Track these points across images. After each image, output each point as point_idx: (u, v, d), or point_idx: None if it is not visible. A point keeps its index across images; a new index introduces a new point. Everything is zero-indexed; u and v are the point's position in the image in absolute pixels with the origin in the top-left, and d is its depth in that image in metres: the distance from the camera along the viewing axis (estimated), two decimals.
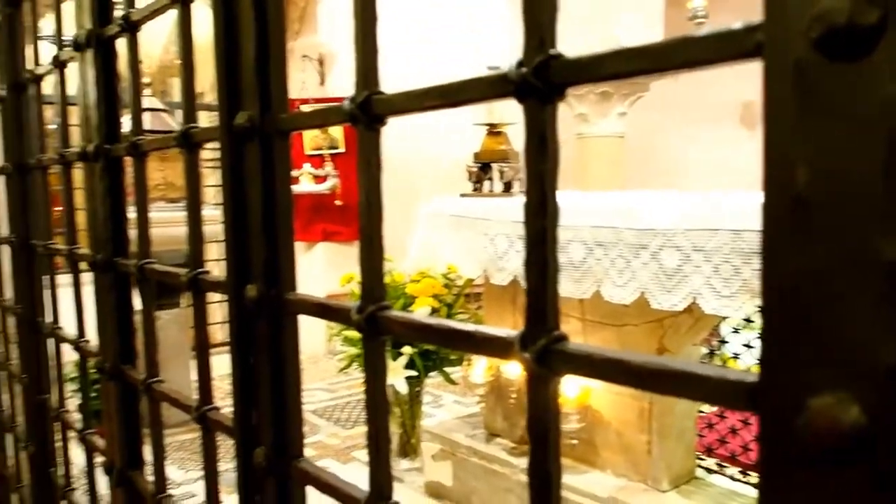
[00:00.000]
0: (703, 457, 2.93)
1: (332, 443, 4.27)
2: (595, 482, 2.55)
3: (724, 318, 2.56)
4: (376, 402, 0.56)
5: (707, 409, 3.16)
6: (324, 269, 6.21)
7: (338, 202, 6.29)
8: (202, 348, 0.83)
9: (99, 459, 1.27)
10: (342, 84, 6.36)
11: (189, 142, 0.78)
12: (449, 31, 6.84)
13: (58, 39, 1.20)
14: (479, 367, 2.71)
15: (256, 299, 0.66)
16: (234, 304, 0.69)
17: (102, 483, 1.27)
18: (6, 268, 1.93)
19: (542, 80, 0.40)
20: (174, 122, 4.59)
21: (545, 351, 0.40)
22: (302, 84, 6.26)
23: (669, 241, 2.06)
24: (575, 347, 0.40)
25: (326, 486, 0.63)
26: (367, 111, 0.53)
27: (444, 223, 2.62)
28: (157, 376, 0.96)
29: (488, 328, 0.46)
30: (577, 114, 5.56)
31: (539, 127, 0.40)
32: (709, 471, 2.86)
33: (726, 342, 3.19)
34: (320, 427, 4.63)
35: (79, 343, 1.23)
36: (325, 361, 5.90)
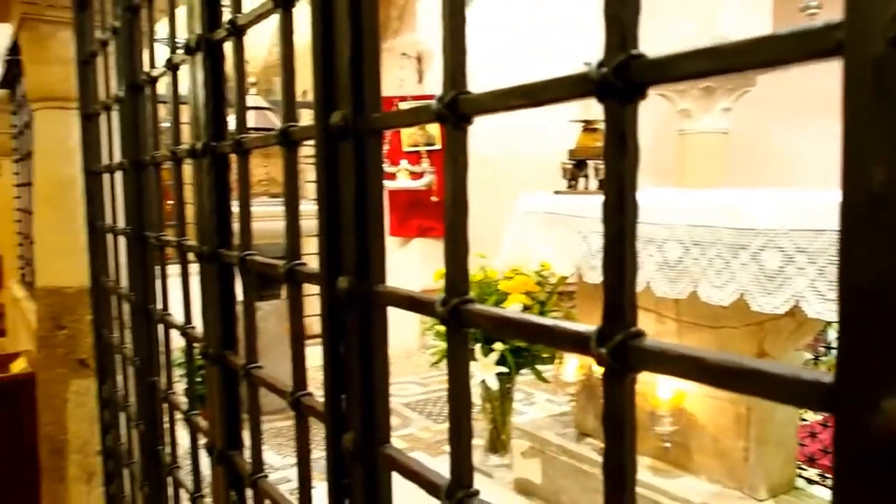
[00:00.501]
0: (804, 467, 2.81)
1: (424, 436, 4.34)
2: (688, 487, 2.49)
3: (830, 322, 2.44)
4: (459, 392, 0.58)
5: (810, 417, 3.03)
6: (419, 264, 6.30)
7: (434, 198, 6.36)
8: (297, 337, 0.87)
9: (202, 440, 1.34)
10: (440, 82, 6.42)
11: (288, 140, 0.82)
12: (539, 39, 6.83)
13: (171, 43, 1.28)
14: (571, 366, 2.69)
15: (348, 291, 0.69)
16: (326, 295, 0.72)
17: (205, 463, 1.35)
18: (122, 258, 2.07)
19: (622, 79, 0.40)
20: (278, 119, 4.76)
21: (621, 347, 0.41)
22: (400, 82, 6.37)
23: (771, 242, 1.98)
24: (651, 344, 0.40)
25: (410, 473, 0.65)
26: (455, 110, 0.55)
27: (538, 220, 2.61)
28: (256, 362, 1.01)
29: (567, 323, 0.47)
30: (679, 109, 5.41)
31: (619, 126, 0.41)
32: (810, 481, 2.74)
33: (833, 348, 3.04)
34: (412, 420, 4.71)
35: (185, 329, 1.31)
36: (417, 356, 5.99)
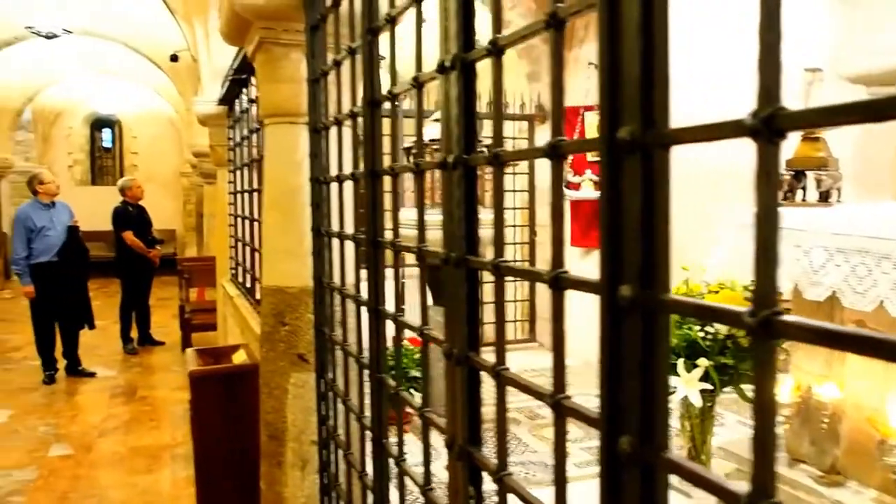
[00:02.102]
0: None
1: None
2: None
3: None
4: (764, 402, 0.59)
5: None
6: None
7: None
8: (559, 339, 0.90)
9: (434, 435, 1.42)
10: None
11: (556, 153, 0.86)
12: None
13: (417, 62, 1.37)
14: (786, 386, 2.55)
15: (630, 299, 0.72)
16: (606, 302, 0.75)
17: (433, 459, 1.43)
18: (345, 261, 2.23)
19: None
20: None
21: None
22: (586, 92, 6.33)
23: None
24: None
25: (699, 479, 0.66)
26: (770, 126, 0.56)
27: (750, 233, 2.51)
28: (504, 364, 1.07)
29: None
30: None
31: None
32: None
33: None
34: (595, 433, 4.65)
35: (423, 330, 1.39)
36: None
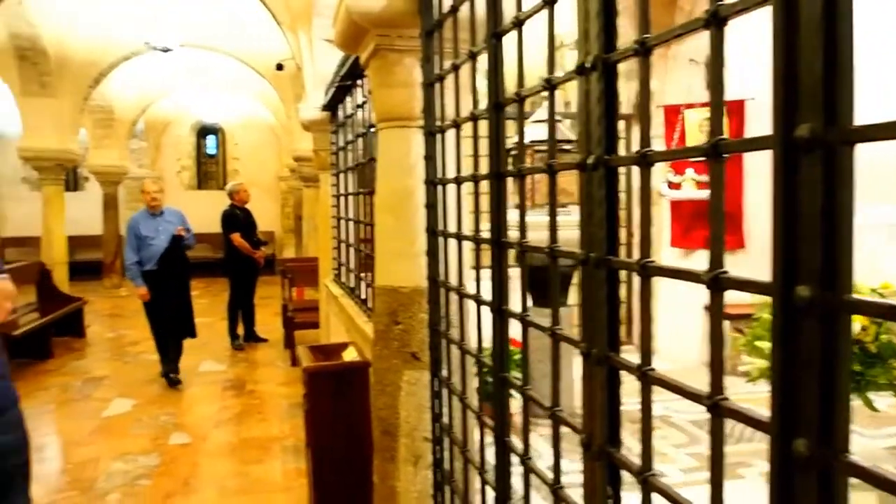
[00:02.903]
0: None
1: None
2: None
3: None
4: None
5: None
6: None
7: None
8: (716, 342, 0.90)
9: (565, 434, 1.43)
10: (733, 86, 6.13)
11: (717, 152, 0.86)
12: None
13: (549, 66, 1.38)
14: None
15: (809, 300, 0.71)
16: (780, 303, 0.74)
17: (565, 460, 1.44)
18: (452, 259, 2.26)
19: None
20: (568, 131, 4.87)
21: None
22: (688, 88, 6.18)
23: None
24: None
25: (883, 482, 0.65)
26: None
27: (885, 234, 2.40)
28: (650, 364, 1.06)
29: None
30: None
31: None
32: None
33: None
34: (700, 438, 4.54)
35: (554, 330, 1.40)
36: (697, 372, 5.76)
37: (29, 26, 9.44)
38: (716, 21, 0.86)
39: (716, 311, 0.89)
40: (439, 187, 2.27)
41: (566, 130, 4.79)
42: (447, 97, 2.18)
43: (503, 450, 1.75)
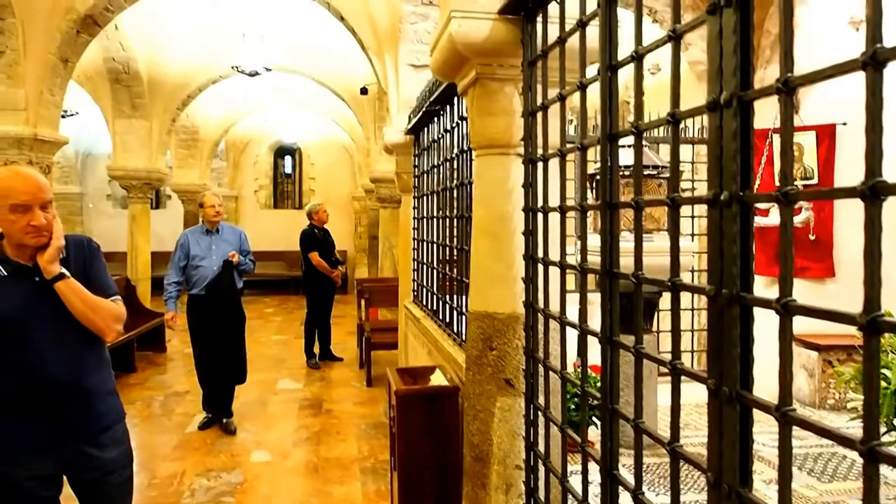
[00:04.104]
0: None
1: (809, 494, 4.01)
2: None
3: None
4: None
5: None
6: None
7: (811, 236, 5.91)
8: (869, 380, 0.88)
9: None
10: (813, 111, 5.96)
11: (874, 193, 0.85)
12: None
13: (673, 99, 1.39)
14: None
15: None
16: None
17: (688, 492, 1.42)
18: (552, 286, 2.26)
19: None
20: (654, 156, 4.82)
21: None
22: (775, 112, 6.04)
23: None
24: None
25: None
26: None
27: None
28: (790, 405, 1.05)
29: None
30: None
31: None
32: None
33: None
34: (793, 475, 4.39)
35: (674, 364, 1.39)
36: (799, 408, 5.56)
37: (123, 51, 9.94)
38: (873, 63, 0.86)
39: (869, 354, 0.88)
40: (539, 214, 2.29)
41: (652, 155, 4.75)
42: (549, 125, 2.21)
43: (611, 482, 1.74)
